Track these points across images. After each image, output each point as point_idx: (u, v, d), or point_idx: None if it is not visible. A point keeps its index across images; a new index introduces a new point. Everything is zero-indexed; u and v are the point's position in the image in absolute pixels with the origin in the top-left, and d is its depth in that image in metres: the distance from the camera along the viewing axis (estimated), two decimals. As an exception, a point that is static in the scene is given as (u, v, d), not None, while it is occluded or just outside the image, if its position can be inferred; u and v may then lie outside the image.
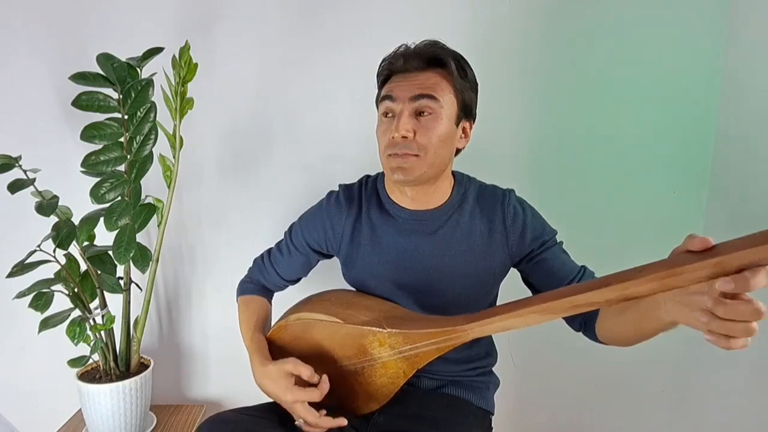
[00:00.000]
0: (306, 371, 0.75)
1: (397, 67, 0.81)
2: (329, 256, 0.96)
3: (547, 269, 0.83)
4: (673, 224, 1.27)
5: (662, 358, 1.30)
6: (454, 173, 0.89)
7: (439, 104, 0.77)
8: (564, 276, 0.81)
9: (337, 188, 0.93)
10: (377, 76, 0.86)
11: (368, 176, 0.94)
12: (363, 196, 0.90)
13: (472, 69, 0.83)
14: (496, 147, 1.26)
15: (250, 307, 0.94)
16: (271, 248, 0.99)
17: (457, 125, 0.81)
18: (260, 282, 0.98)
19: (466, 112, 0.82)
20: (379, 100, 0.82)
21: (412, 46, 0.81)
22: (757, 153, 1.11)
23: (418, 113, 0.77)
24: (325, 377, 0.76)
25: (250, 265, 1.02)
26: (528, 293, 0.85)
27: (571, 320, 0.81)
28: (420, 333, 0.73)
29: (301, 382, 0.75)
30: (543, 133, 1.27)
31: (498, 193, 0.87)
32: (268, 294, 0.99)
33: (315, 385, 0.75)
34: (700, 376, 1.27)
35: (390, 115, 0.79)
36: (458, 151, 0.85)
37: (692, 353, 1.27)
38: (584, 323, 0.79)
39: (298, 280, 1.00)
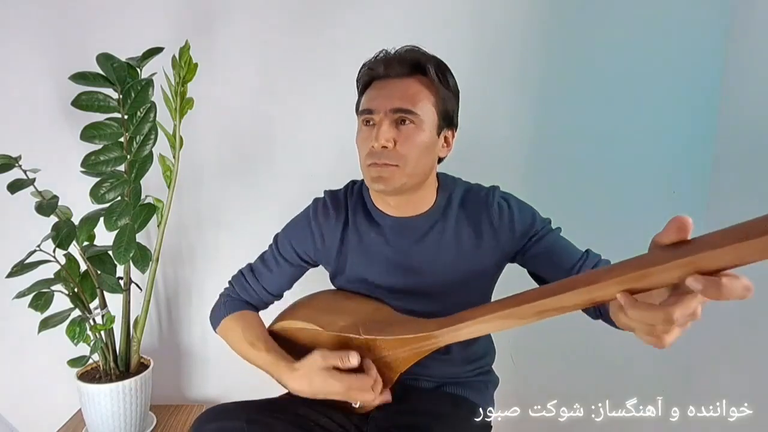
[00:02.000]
0: (337, 359, 0.72)
1: (378, 73, 0.79)
2: (316, 266, 0.93)
3: (546, 259, 0.81)
4: (673, 224, 1.27)
5: (664, 357, 1.30)
6: (439, 177, 0.87)
7: (419, 118, 0.75)
8: (566, 262, 0.79)
9: (322, 194, 0.91)
10: (357, 81, 0.84)
11: (354, 182, 0.92)
12: (349, 202, 0.88)
13: (453, 76, 0.81)
14: (493, 147, 1.26)
15: (247, 319, 0.87)
16: (250, 265, 0.93)
17: (439, 134, 0.79)
18: (245, 299, 0.91)
19: (447, 121, 0.80)
20: (359, 111, 0.80)
21: (393, 52, 0.80)
22: (758, 152, 1.11)
23: (399, 122, 0.76)
24: (354, 353, 0.73)
25: (225, 287, 0.95)
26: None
27: (586, 310, 0.76)
28: (395, 339, 0.72)
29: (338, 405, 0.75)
30: (541, 133, 1.27)
31: (482, 193, 0.85)
32: (255, 310, 0.92)
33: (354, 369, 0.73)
34: (701, 376, 1.27)
35: (370, 123, 0.77)
36: (440, 159, 0.84)
37: (695, 353, 1.27)
38: (599, 312, 0.75)
39: (281, 296, 0.94)
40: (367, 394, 0.72)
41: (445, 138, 0.82)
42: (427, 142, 0.77)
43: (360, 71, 0.83)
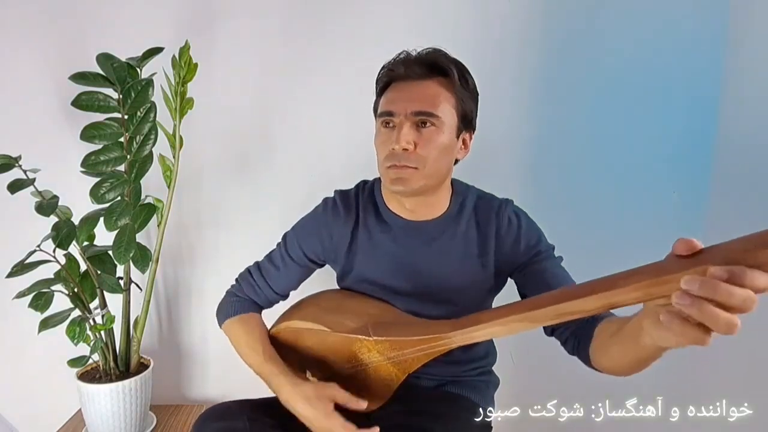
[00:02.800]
0: (348, 398, 0.72)
1: (398, 74, 0.78)
2: (322, 266, 0.93)
3: (539, 281, 0.80)
4: (674, 226, 1.27)
5: (664, 357, 1.30)
6: (453, 182, 0.88)
7: (440, 120, 0.75)
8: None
9: (332, 194, 0.91)
10: (376, 82, 0.83)
11: (365, 182, 0.92)
12: (360, 203, 0.88)
13: (473, 78, 0.81)
14: (494, 149, 1.26)
15: (251, 323, 0.87)
16: (257, 263, 0.93)
17: (458, 136, 0.79)
18: (251, 299, 0.91)
19: (466, 123, 0.80)
20: (378, 112, 0.80)
21: (414, 53, 0.79)
22: (758, 153, 1.11)
23: (420, 124, 0.76)
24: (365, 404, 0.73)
25: (232, 284, 0.94)
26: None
27: (564, 343, 0.79)
28: (406, 340, 0.72)
29: (338, 407, 0.73)
30: (542, 134, 1.27)
31: (494, 203, 0.86)
32: (260, 311, 0.92)
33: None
34: (701, 376, 1.27)
35: (390, 125, 0.77)
36: (456, 161, 0.84)
37: (695, 353, 1.27)
38: (577, 348, 0.77)
39: (288, 295, 0.94)
40: None
41: (464, 140, 0.82)
42: (446, 144, 0.77)
43: (380, 72, 0.82)
